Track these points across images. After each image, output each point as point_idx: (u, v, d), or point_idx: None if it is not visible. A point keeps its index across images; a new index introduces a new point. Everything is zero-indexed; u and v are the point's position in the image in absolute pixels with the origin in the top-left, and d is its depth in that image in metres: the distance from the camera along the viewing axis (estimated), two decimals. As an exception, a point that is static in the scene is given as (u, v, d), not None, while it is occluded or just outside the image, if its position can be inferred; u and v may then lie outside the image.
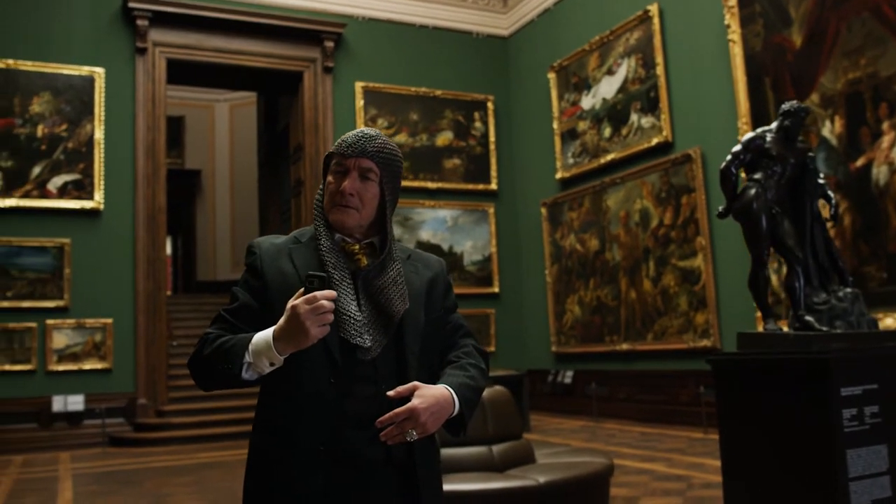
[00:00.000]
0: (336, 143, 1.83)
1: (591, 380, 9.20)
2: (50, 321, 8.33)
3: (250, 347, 1.64)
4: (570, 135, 10.06)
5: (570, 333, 9.98)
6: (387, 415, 1.61)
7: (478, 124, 11.05)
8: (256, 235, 13.85)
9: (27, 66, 8.58)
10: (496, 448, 4.18)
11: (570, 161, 10.02)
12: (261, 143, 14.64)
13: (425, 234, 10.59)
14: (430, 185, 10.65)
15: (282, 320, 1.60)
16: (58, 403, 8.18)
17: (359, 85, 10.35)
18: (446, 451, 4.04)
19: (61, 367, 8.31)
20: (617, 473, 5.49)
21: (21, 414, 8.11)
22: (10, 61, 8.50)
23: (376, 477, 1.70)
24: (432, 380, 1.79)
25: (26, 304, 8.29)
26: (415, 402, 1.63)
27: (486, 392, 4.34)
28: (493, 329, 10.69)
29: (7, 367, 8.14)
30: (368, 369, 1.72)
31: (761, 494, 3.25)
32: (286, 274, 1.78)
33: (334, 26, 10.18)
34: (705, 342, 7.77)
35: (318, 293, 1.56)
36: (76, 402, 8.21)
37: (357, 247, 1.80)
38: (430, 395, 1.65)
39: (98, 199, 8.69)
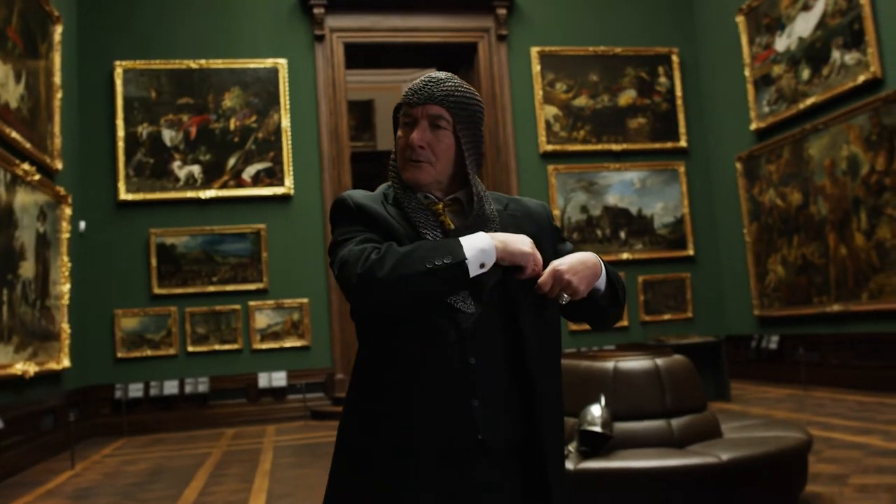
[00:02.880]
0: (404, 95, 1.66)
1: (799, 344, 8.49)
2: (252, 303, 8.89)
3: (463, 243, 1.48)
4: (763, 81, 9.27)
5: (773, 296, 9.26)
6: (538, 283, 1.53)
7: (662, 79, 10.46)
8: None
9: (217, 64, 9.13)
10: (675, 422, 3.89)
11: (766, 110, 9.24)
12: (444, 118, 14.73)
13: (612, 199, 10.21)
14: (615, 147, 10.23)
15: (511, 239, 1.53)
16: (263, 380, 8.73)
17: (534, 50, 10.11)
18: (620, 426, 3.81)
19: (264, 346, 8.85)
20: (824, 447, 5.01)
21: (232, 390, 8.72)
22: (203, 61, 9.08)
23: (497, 464, 1.55)
24: (557, 347, 1.65)
25: (230, 287, 8.89)
26: (553, 264, 1.53)
27: (663, 362, 4.07)
28: (689, 294, 10.15)
29: (217, 347, 8.80)
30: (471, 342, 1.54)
31: None
32: (379, 214, 1.61)
33: (506, -8, 10.00)
34: (931, 300, 6.90)
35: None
36: (279, 378, 8.73)
37: (441, 205, 1.63)
38: (571, 257, 1.57)
39: (288, 185, 9.11)
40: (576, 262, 1.55)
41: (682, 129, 10.42)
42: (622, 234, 10.15)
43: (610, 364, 4.05)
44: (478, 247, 1.49)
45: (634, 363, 4.06)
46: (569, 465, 3.57)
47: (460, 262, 1.46)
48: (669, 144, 10.40)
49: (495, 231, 1.59)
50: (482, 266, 1.49)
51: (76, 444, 7.09)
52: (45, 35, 7.52)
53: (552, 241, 1.72)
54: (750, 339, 9.60)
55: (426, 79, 1.64)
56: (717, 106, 10.29)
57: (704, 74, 10.51)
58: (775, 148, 9.08)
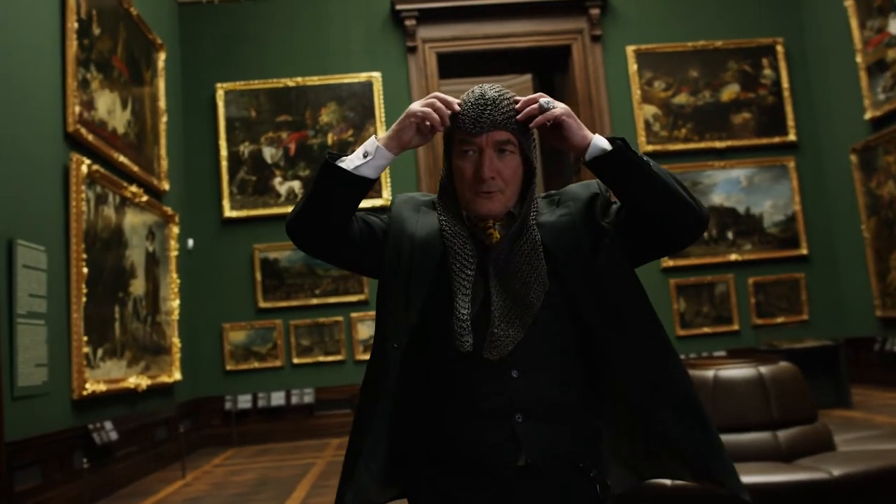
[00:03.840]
0: (457, 116, 1.55)
1: (927, 347, 7.93)
2: (354, 314, 8.99)
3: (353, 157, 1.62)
4: (877, 67, 8.72)
5: (897, 295, 8.69)
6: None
7: (767, 71, 10.02)
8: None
9: (313, 80, 9.32)
10: (782, 434, 3.66)
11: (881, 97, 8.69)
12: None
13: (717, 198, 9.83)
14: (719, 144, 9.85)
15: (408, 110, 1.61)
16: (365, 390, 8.81)
17: (630, 49, 9.86)
18: (723, 438, 3.61)
19: (366, 357, 8.94)
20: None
21: (336, 401, 8.84)
22: (299, 79, 9.28)
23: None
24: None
25: (332, 299, 9.03)
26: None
27: (767, 370, 3.84)
28: (804, 295, 9.64)
29: (321, 359, 8.95)
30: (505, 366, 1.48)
31: None
32: (407, 220, 1.63)
33: (598, -8, 9.81)
34: None
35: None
36: (381, 389, 8.79)
37: (490, 221, 1.56)
38: None
39: (386, 197, 9.19)
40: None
41: (791, 122, 9.94)
42: (730, 235, 9.76)
43: (710, 373, 3.86)
44: (358, 150, 1.62)
45: (736, 371, 3.85)
46: (665, 479, 3.42)
47: (324, 162, 1.58)
48: (777, 139, 9.93)
49: (535, 243, 1.53)
50: (366, 155, 1.58)
51: (188, 455, 7.35)
52: (149, 62, 7.85)
53: (600, 206, 1.61)
54: (872, 341, 9.03)
55: (480, 101, 1.54)
56: (828, 96, 9.76)
57: (812, 63, 9.99)
58: (893, 137, 8.52)
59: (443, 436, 1.47)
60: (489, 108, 1.53)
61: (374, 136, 1.59)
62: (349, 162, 1.57)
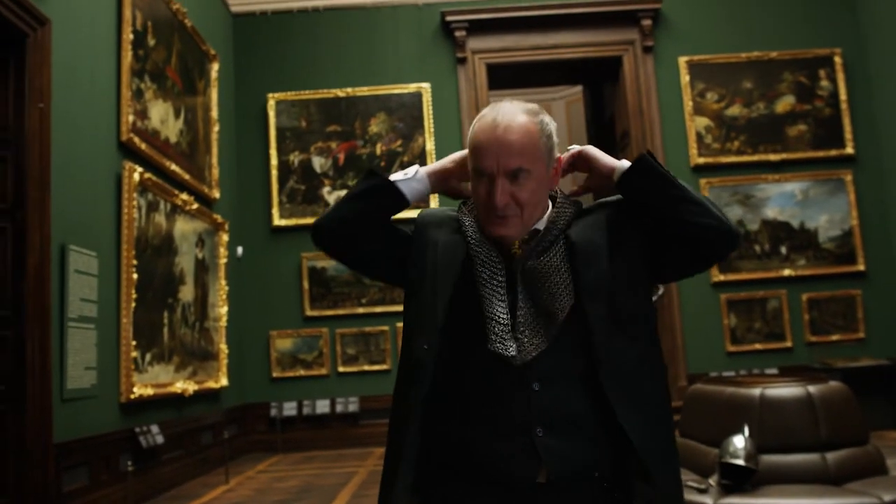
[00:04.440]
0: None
1: None
2: (399, 324, 8.96)
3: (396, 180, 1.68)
4: (940, 79, 8.47)
5: (959, 314, 8.39)
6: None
7: (824, 82, 9.78)
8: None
9: (364, 91, 9.39)
10: (831, 456, 3.55)
11: (944, 110, 8.43)
12: (589, 134, 14.52)
13: (771, 212, 9.61)
14: (773, 157, 9.64)
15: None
16: (409, 400, 8.80)
17: (682, 60, 9.73)
18: (768, 459, 3.52)
19: (411, 366, 8.93)
20: None
21: (381, 410, 8.83)
22: (349, 89, 9.36)
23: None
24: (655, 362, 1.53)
25: (378, 309, 9.06)
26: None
27: (816, 389, 3.72)
28: (861, 312, 9.36)
29: (366, 367, 8.98)
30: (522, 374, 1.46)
31: None
32: (430, 236, 1.63)
33: (651, 2, 9.69)
34: None
35: None
36: (425, 399, 8.78)
37: (516, 243, 1.56)
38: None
39: (434, 207, 9.20)
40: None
41: (849, 134, 9.68)
42: (783, 250, 9.53)
43: (756, 391, 3.76)
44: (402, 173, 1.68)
45: (784, 390, 3.75)
46: (708, 500, 3.33)
47: (374, 177, 1.68)
48: (834, 152, 9.68)
49: (561, 256, 1.52)
50: (405, 175, 1.64)
51: (233, 460, 7.42)
52: (202, 72, 8.00)
53: (636, 220, 1.57)
54: (932, 361, 8.73)
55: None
56: (889, 108, 9.48)
57: (872, 74, 9.73)
58: (957, 151, 8.25)
59: (461, 446, 1.45)
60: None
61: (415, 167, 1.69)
62: (391, 174, 1.65)
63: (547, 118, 1.57)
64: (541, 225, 1.58)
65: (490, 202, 1.50)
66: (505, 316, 1.47)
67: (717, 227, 1.48)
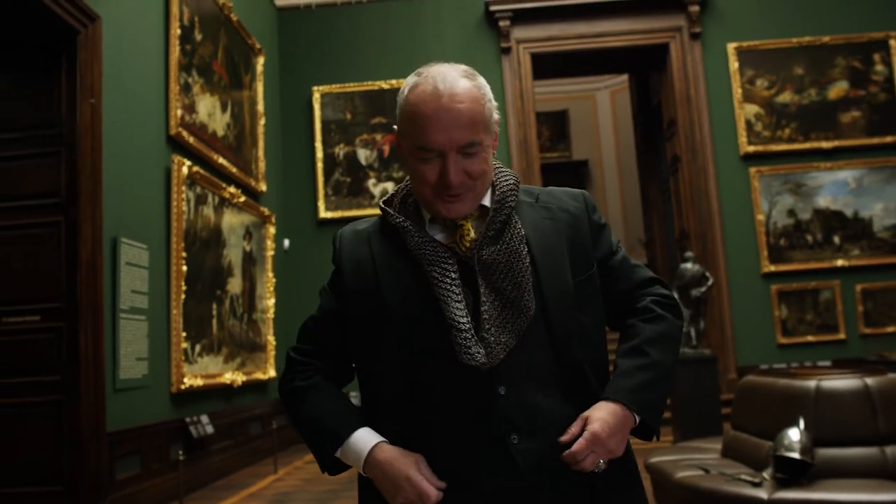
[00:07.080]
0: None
1: None
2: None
3: (343, 449, 1.39)
4: None
5: None
6: (566, 453, 1.30)
7: (879, 67, 9.52)
8: (642, 219, 13.61)
9: (408, 82, 9.38)
10: (890, 450, 3.44)
11: None
12: (636, 123, 14.33)
13: (823, 201, 9.39)
14: (825, 144, 9.42)
15: (389, 468, 1.32)
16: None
17: (731, 46, 9.54)
18: (824, 452, 3.43)
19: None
20: None
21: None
22: (394, 81, 9.34)
23: None
24: (601, 365, 1.43)
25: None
26: (594, 426, 1.30)
27: (874, 381, 3.61)
28: (918, 303, 9.12)
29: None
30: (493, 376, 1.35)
31: None
32: (361, 262, 1.42)
33: (698, -12, 9.53)
34: None
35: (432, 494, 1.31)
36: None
37: (466, 222, 1.41)
38: (604, 416, 1.32)
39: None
40: (613, 424, 1.32)
41: (905, 120, 9.43)
42: (836, 239, 9.31)
43: (811, 383, 3.66)
44: (355, 449, 1.37)
45: (840, 382, 3.65)
46: (763, 493, 3.26)
47: (321, 459, 1.44)
48: (889, 139, 9.42)
49: (519, 228, 1.41)
50: (344, 453, 1.40)
51: (281, 451, 7.49)
52: (248, 66, 8.07)
53: (592, 242, 1.46)
54: None
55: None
56: (947, 93, 9.20)
57: (930, 58, 9.45)
58: None
59: (437, 461, 1.34)
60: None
61: (362, 459, 1.37)
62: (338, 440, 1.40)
63: (481, 79, 1.41)
64: (486, 201, 1.43)
65: (444, 181, 1.33)
66: (465, 320, 1.32)
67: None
